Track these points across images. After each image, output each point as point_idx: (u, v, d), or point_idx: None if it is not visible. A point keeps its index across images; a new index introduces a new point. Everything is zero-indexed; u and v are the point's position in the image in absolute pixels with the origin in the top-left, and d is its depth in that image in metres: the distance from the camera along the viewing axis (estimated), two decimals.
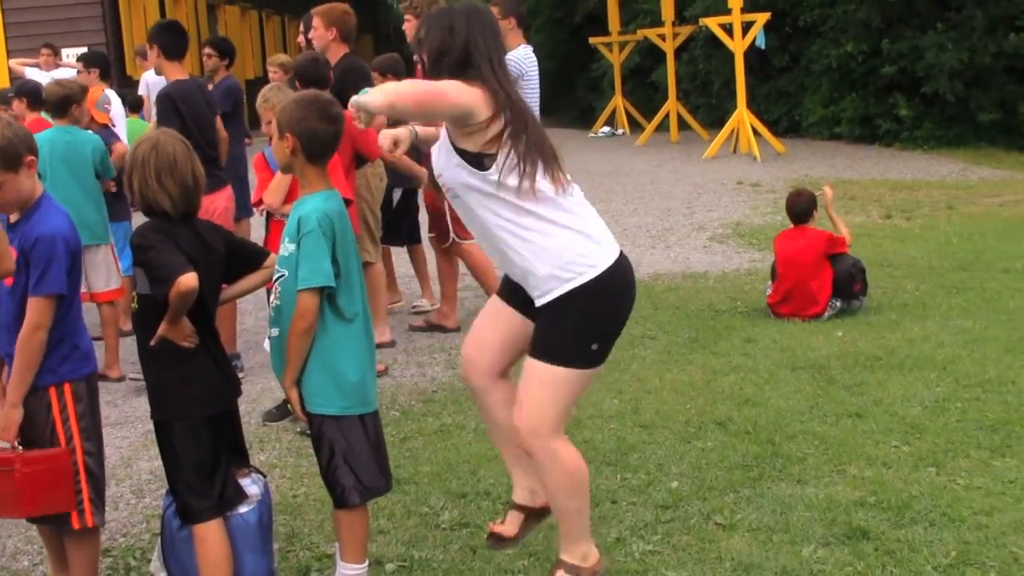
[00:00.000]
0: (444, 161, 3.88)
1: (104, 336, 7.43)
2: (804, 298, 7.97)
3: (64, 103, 7.52)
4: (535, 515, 4.27)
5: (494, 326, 4.14)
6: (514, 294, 4.05)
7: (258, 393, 6.53)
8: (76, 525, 4.03)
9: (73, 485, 4.00)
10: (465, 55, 3.78)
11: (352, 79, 7.22)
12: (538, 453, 3.89)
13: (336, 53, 7.65)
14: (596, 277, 3.81)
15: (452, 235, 8.03)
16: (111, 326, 7.49)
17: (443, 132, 3.90)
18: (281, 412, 6.20)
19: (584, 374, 3.91)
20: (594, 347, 3.86)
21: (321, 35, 7.69)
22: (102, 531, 4.89)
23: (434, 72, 3.83)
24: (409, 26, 8.09)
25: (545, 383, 3.85)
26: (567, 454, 3.93)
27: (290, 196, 6.13)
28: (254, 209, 6.86)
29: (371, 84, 7.58)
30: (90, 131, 8.63)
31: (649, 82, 25.45)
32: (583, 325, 3.83)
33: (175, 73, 7.22)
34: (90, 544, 4.13)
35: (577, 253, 3.82)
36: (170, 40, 7.28)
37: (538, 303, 3.87)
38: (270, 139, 6.41)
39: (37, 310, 3.86)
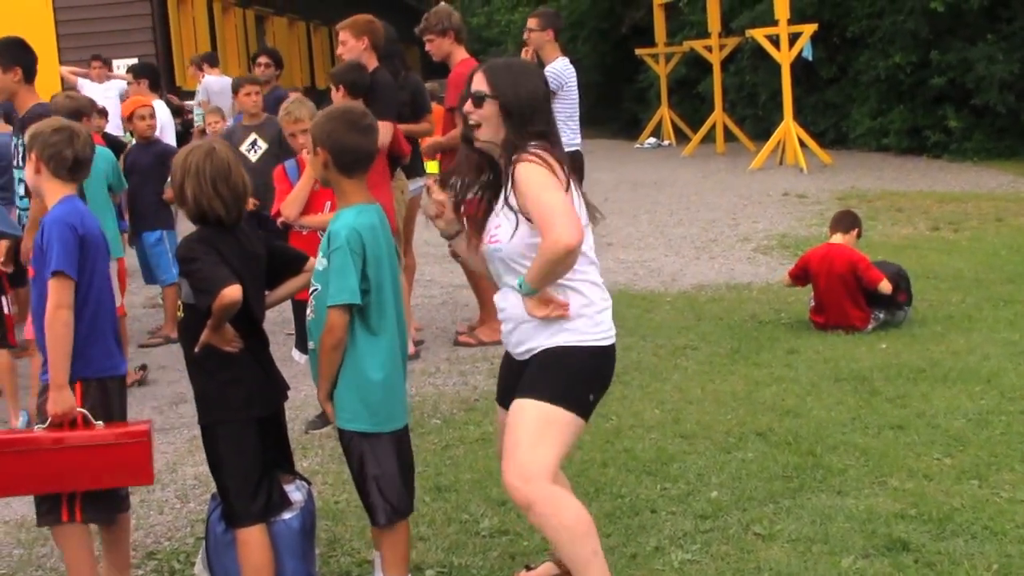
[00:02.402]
0: (508, 231, 3.78)
1: None
2: (838, 310, 7.93)
3: (74, 116, 7.52)
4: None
5: (500, 433, 4.04)
6: (502, 393, 4.03)
7: (301, 401, 6.59)
8: (65, 516, 4.08)
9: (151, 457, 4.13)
10: (529, 115, 3.77)
11: (381, 95, 7.22)
12: (536, 502, 3.65)
13: (371, 63, 7.52)
14: (607, 344, 3.81)
15: None
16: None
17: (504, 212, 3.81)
18: (323, 420, 6.25)
19: (578, 424, 3.76)
20: (591, 397, 3.77)
21: (353, 46, 7.50)
22: (149, 534, 4.99)
23: (511, 124, 3.79)
24: (432, 46, 8.08)
25: (545, 422, 3.69)
26: (566, 497, 3.74)
27: (308, 209, 6.21)
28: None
29: (393, 99, 7.47)
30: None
31: (695, 93, 25.42)
32: (585, 373, 3.77)
33: (31, 98, 6.50)
34: (79, 542, 4.14)
35: (597, 311, 3.80)
36: (32, 60, 6.46)
37: (541, 348, 3.78)
38: (295, 151, 6.47)
39: (51, 291, 3.98)
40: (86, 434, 4.00)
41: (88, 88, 12.99)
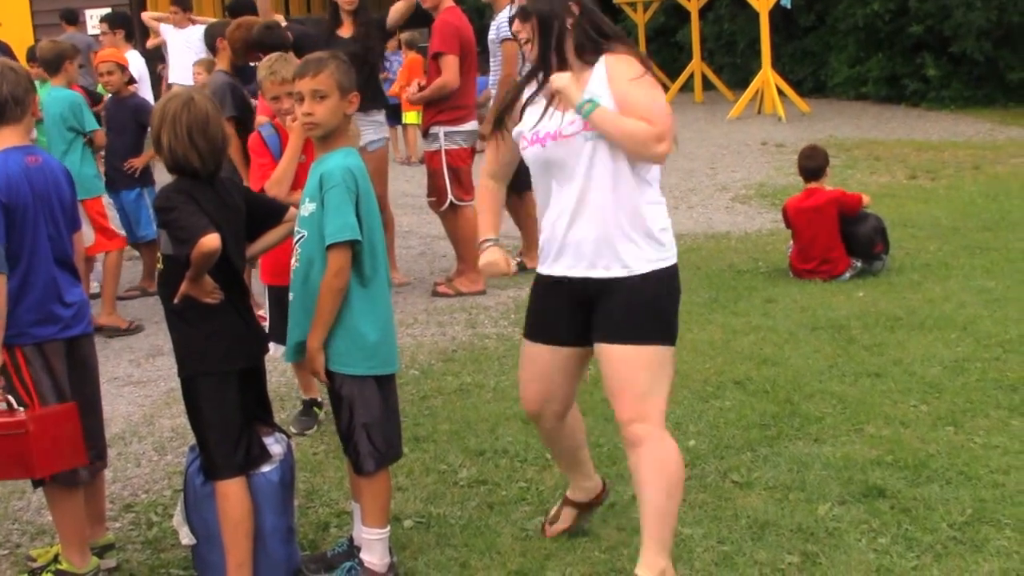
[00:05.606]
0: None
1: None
2: (820, 257, 7.97)
3: (58, 60, 7.57)
4: (587, 508, 4.32)
5: (545, 373, 4.00)
6: (545, 330, 3.96)
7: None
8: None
9: (82, 440, 4.01)
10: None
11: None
12: (649, 443, 3.66)
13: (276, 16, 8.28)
14: (676, 263, 3.88)
15: (450, 197, 8.01)
16: (108, 277, 7.84)
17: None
18: (310, 417, 5.74)
19: (674, 352, 3.80)
20: (676, 320, 3.82)
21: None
22: (126, 487, 4.99)
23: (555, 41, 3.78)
24: None
25: (651, 366, 3.70)
26: (674, 446, 3.75)
27: (296, 184, 5.22)
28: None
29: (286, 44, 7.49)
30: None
31: (673, 42, 25.28)
32: (672, 302, 3.79)
33: None
34: (64, 498, 4.10)
35: (668, 230, 3.92)
36: None
37: (626, 273, 3.74)
38: (272, 116, 5.56)
39: None
40: None
41: (171, 34, 12.69)
